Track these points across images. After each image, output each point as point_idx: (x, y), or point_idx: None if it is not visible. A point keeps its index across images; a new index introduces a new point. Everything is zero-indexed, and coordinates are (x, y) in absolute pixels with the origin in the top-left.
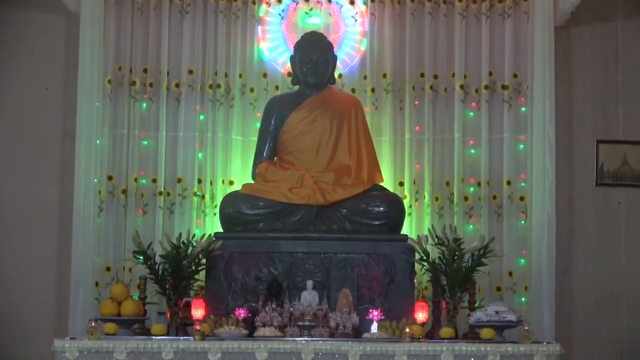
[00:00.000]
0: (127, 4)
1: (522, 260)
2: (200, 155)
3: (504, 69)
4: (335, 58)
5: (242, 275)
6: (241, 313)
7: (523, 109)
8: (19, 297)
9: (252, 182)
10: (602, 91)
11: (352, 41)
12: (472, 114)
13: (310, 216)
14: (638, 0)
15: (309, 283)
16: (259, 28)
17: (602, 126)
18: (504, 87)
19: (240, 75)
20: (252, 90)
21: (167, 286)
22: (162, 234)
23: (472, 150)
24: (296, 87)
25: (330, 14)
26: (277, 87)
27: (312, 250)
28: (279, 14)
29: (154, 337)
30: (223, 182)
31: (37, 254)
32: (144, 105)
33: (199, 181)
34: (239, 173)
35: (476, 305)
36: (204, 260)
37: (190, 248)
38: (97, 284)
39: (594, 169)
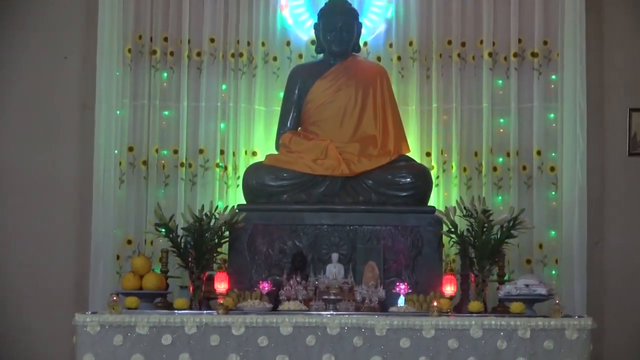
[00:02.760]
0: None
1: (553, 232)
2: (222, 125)
3: (533, 35)
4: (360, 25)
5: (265, 248)
6: (265, 287)
7: (553, 77)
8: (39, 271)
9: (275, 153)
10: (635, 58)
11: (377, 8)
12: (500, 82)
13: (335, 188)
14: None
15: (334, 256)
16: None
17: (635, 94)
18: (533, 54)
19: (263, 44)
20: (275, 59)
21: (189, 259)
22: (184, 206)
23: (501, 120)
24: (320, 56)
25: None
26: (300, 56)
27: (337, 223)
28: None
29: (176, 311)
30: (246, 153)
31: (57, 227)
32: (165, 74)
33: (222, 152)
34: (262, 144)
35: (505, 278)
36: (226, 233)
37: (213, 220)
38: (118, 257)
39: (627, 138)
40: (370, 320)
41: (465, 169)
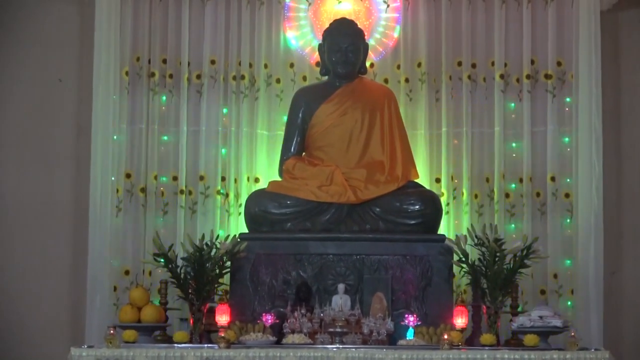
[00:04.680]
0: None
1: (568, 262)
2: (223, 151)
3: (547, 56)
4: (366, 46)
5: (269, 278)
6: (268, 319)
7: (568, 99)
8: (33, 302)
9: (279, 179)
10: None
11: (384, 28)
12: (513, 105)
13: (341, 215)
14: None
15: (341, 287)
16: (285, 15)
17: None
18: (547, 76)
19: (266, 66)
20: (278, 81)
21: (189, 291)
22: (183, 235)
23: (514, 144)
24: (325, 78)
25: None
26: (304, 78)
27: (344, 252)
28: (307, 0)
29: (176, 344)
30: (248, 179)
31: (52, 257)
32: (164, 98)
33: (223, 179)
34: (264, 170)
35: (519, 309)
36: (228, 263)
37: (214, 250)
38: (115, 288)
39: None
40: (378, 353)
41: (476, 196)
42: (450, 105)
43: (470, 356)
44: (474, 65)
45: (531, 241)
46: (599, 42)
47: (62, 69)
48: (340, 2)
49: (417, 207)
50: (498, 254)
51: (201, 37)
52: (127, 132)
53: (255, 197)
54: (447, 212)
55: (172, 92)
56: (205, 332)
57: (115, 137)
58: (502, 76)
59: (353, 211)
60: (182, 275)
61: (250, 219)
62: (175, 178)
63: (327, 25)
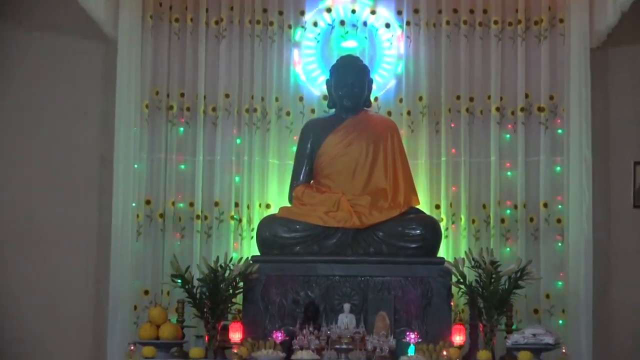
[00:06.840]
0: (164, 29)
1: (560, 283)
2: (237, 178)
3: (540, 91)
4: (371, 81)
5: (279, 298)
6: (278, 336)
7: (559, 130)
8: (57, 320)
9: (288, 205)
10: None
11: (387, 64)
12: (508, 136)
13: (347, 239)
14: None
15: (346, 306)
16: (295, 52)
17: None
18: (540, 109)
19: (277, 99)
20: (288, 113)
21: (205, 309)
22: (199, 257)
23: (509, 173)
24: (332, 111)
25: (366, 38)
26: (313, 111)
27: (349, 274)
28: (315, 38)
29: None
30: (260, 205)
31: (76, 278)
32: (181, 129)
33: (236, 205)
34: (275, 196)
35: (513, 327)
36: (241, 284)
37: (228, 271)
38: (135, 307)
39: (632, 190)
40: None
41: (473, 221)
42: (450, 136)
43: None
44: (471, 99)
45: (525, 264)
46: (589, 77)
47: (87, 102)
48: (346, 39)
49: (418, 231)
50: (494, 276)
51: (216, 72)
52: (147, 161)
53: (267, 222)
54: (446, 237)
55: (189, 123)
56: (219, 349)
57: (135, 166)
58: (498, 109)
59: (358, 235)
60: (197, 295)
61: (261, 242)
62: (191, 204)
63: (334, 62)
